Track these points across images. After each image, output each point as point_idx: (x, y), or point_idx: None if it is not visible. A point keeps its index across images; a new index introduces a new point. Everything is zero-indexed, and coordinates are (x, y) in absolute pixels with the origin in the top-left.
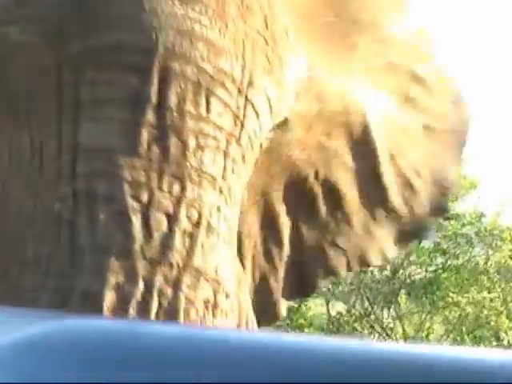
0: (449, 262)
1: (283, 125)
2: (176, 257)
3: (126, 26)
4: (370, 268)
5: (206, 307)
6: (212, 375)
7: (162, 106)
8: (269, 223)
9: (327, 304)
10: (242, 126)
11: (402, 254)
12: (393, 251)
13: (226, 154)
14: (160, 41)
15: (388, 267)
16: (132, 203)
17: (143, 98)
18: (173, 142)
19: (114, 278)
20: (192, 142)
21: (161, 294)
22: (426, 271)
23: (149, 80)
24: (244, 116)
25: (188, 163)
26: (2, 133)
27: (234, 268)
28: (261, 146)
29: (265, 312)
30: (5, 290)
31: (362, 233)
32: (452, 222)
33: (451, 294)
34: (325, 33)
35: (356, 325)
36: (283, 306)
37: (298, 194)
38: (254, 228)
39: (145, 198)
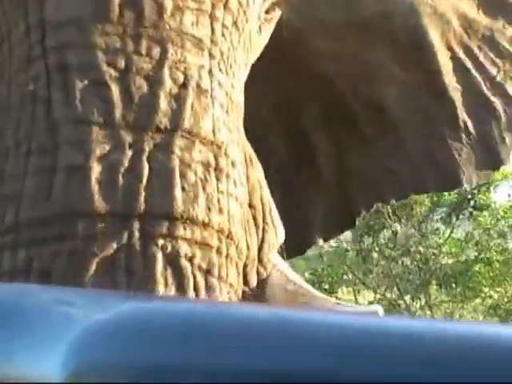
0: (481, 255)
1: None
2: (163, 119)
3: None
4: (402, 258)
5: (207, 170)
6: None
7: None
8: (301, 145)
9: (356, 293)
10: None
11: (433, 244)
12: (471, 176)
13: (212, 17)
14: None
15: (419, 257)
16: (108, 70)
17: None
18: (147, 5)
19: (98, 148)
20: (169, 3)
21: (151, 158)
22: (458, 262)
23: None
24: None
25: (166, 25)
26: None
27: (241, 142)
28: (259, 28)
29: (298, 245)
30: None
31: (419, 155)
32: (485, 213)
33: (483, 287)
34: None
35: (386, 314)
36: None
37: (336, 112)
38: (283, 150)
39: (122, 63)
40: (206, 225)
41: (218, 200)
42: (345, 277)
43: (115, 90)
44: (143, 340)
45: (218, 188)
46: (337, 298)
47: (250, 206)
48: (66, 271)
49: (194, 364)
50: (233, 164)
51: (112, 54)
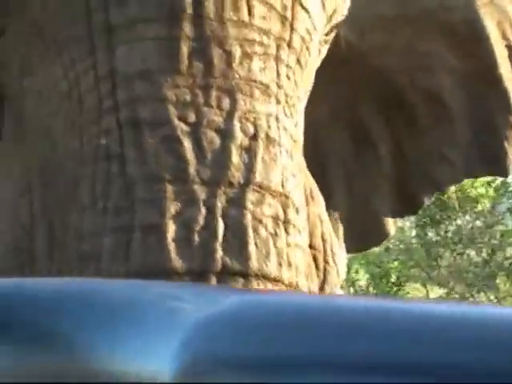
0: None
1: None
2: (236, 174)
3: None
4: (467, 251)
5: (276, 224)
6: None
7: (199, 16)
8: (361, 138)
9: (425, 287)
10: (292, 27)
11: (499, 235)
12: None
13: (277, 59)
14: None
15: (484, 250)
16: (180, 125)
17: (177, 10)
18: (216, 54)
19: (172, 205)
20: (237, 51)
21: (225, 215)
22: None
23: None
24: (293, 17)
25: (235, 74)
26: (36, 75)
27: (302, 182)
28: (319, 51)
29: (368, 232)
30: (67, 239)
31: (471, 143)
32: None
33: None
34: None
35: None
36: (391, 224)
37: (394, 103)
38: (344, 144)
39: (192, 117)
40: (277, 280)
41: (287, 254)
42: (412, 271)
43: (187, 146)
44: (264, 332)
45: (286, 241)
46: (407, 293)
47: (311, 246)
48: None
49: (325, 354)
50: (297, 211)
51: (183, 107)
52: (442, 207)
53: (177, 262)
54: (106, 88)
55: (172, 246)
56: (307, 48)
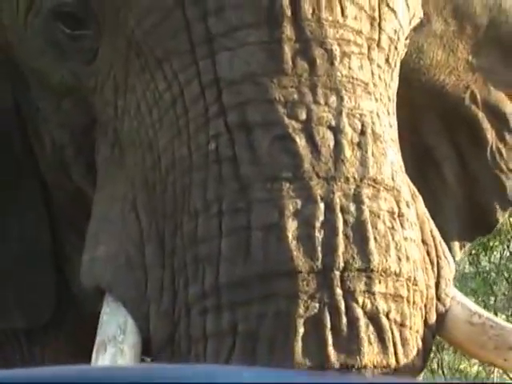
0: None
1: (420, 26)
2: (350, 169)
3: None
4: None
5: (393, 218)
6: None
7: (297, 18)
8: (425, 158)
9: None
10: (380, 28)
11: None
12: None
13: (370, 59)
14: None
15: None
16: (291, 123)
17: (276, 13)
18: (318, 53)
19: (291, 203)
20: (337, 50)
21: (343, 210)
22: None
23: None
24: (380, 17)
25: (338, 72)
26: (132, 92)
27: (406, 178)
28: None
29: None
30: (178, 245)
31: None
32: None
33: None
34: None
35: None
36: (457, 249)
37: (455, 120)
38: (407, 165)
39: (303, 115)
40: (397, 275)
41: (405, 248)
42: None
43: (300, 143)
44: None
45: (403, 235)
46: None
47: (423, 242)
48: (274, 333)
49: None
50: (408, 205)
51: (292, 106)
52: (494, 233)
53: (299, 261)
54: (211, 95)
55: (293, 244)
56: (395, 48)
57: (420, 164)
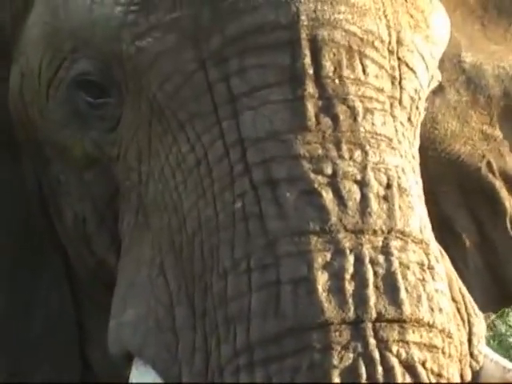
0: None
1: (437, 91)
2: (378, 222)
3: (260, 5)
4: None
5: (423, 269)
6: None
7: (319, 76)
8: (442, 226)
9: None
10: (401, 87)
11: None
12: None
13: (393, 116)
14: (301, 11)
15: None
16: (316, 178)
17: (299, 72)
18: (341, 109)
19: (320, 256)
20: (359, 106)
21: (373, 262)
22: None
23: (300, 53)
24: (400, 77)
25: (362, 127)
26: (156, 156)
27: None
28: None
29: None
30: (208, 306)
31: None
32: None
33: None
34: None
35: None
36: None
37: (472, 190)
38: None
39: (329, 170)
40: (430, 326)
41: (437, 300)
42: None
43: (327, 197)
44: None
45: (434, 287)
46: None
47: (452, 299)
48: None
49: None
50: (437, 260)
51: (317, 161)
52: None
53: (331, 313)
54: (236, 154)
55: (324, 297)
56: (417, 107)
57: (438, 233)
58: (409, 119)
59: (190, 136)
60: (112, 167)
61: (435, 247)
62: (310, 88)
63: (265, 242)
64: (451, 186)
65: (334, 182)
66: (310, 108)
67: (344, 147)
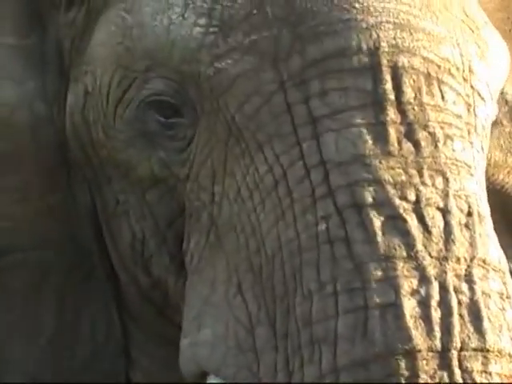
0: None
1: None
2: (461, 250)
3: (342, 30)
4: None
5: (502, 298)
6: None
7: (401, 102)
8: None
9: None
10: (475, 114)
11: None
12: None
13: (470, 143)
14: (382, 37)
15: None
16: (402, 204)
17: (381, 97)
18: (422, 136)
19: (406, 282)
20: (440, 133)
21: (456, 290)
22: None
23: (381, 78)
24: (474, 104)
25: (442, 154)
26: (231, 177)
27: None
28: None
29: None
30: (291, 327)
31: None
32: None
33: None
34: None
35: None
36: None
37: None
38: None
39: (412, 196)
40: (510, 356)
41: None
42: None
43: (412, 223)
44: None
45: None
46: None
47: None
48: None
49: None
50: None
51: (401, 187)
52: None
53: (418, 340)
54: (318, 176)
55: (412, 323)
56: (486, 136)
57: None
58: (482, 147)
59: (269, 157)
60: (178, 187)
61: (509, 274)
62: (392, 114)
63: (352, 265)
64: (495, 215)
65: (417, 209)
66: (393, 133)
67: (426, 174)
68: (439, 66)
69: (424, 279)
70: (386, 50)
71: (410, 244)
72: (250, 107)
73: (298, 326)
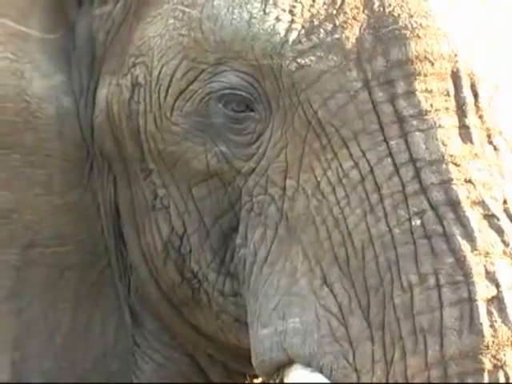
0: None
1: None
2: None
3: (424, 35)
4: None
5: None
6: None
7: (478, 108)
8: None
9: None
10: None
11: None
12: None
13: None
14: (461, 46)
15: None
16: (492, 203)
17: (463, 102)
18: (499, 141)
19: (508, 277)
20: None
21: None
22: None
23: (462, 84)
24: None
25: None
26: (309, 172)
27: None
28: None
29: None
30: (388, 318)
31: None
32: None
33: None
34: None
35: None
36: None
37: None
38: None
39: (500, 196)
40: None
41: None
42: None
43: (503, 222)
44: None
45: None
46: None
47: None
48: None
49: None
50: None
51: (489, 187)
52: None
53: None
54: (407, 173)
55: None
56: None
57: None
58: None
59: (354, 152)
60: (236, 181)
61: None
62: (473, 118)
63: (453, 259)
64: None
65: (505, 208)
66: (476, 137)
67: (506, 176)
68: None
69: None
70: (465, 57)
71: (505, 241)
72: (335, 103)
73: (397, 317)
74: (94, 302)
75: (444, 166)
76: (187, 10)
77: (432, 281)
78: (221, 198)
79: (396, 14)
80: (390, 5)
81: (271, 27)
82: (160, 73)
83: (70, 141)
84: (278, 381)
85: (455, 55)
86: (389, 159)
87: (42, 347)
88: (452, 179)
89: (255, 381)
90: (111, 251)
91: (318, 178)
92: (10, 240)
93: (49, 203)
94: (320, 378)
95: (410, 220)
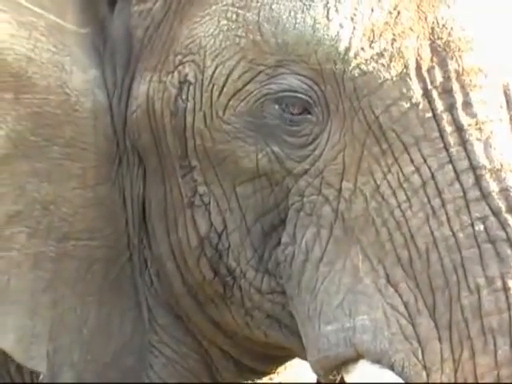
0: None
1: None
2: None
3: (476, 48)
4: None
5: None
6: None
7: None
8: None
9: None
10: None
11: None
12: None
13: None
14: (506, 59)
15: None
16: None
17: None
18: None
19: None
20: None
21: None
22: None
23: (506, 97)
24: None
25: None
26: (368, 175)
27: None
28: None
29: None
30: (460, 317)
31: None
32: None
33: None
34: None
35: None
36: None
37: None
38: None
39: None
40: None
41: None
42: None
43: None
44: None
45: None
46: None
47: None
48: None
49: None
50: None
51: None
52: None
53: None
54: (468, 180)
55: None
56: None
57: None
58: None
59: (415, 158)
60: (286, 182)
61: None
62: None
63: None
64: None
65: None
66: None
67: None
68: None
69: None
70: (503, 70)
71: None
72: (397, 110)
73: (465, 317)
74: (115, 297)
75: (503, 174)
76: (241, 11)
77: (499, 283)
78: (266, 198)
79: (449, 27)
80: (442, 18)
81: (336, 33)
82: (214, 72)
83: (103, 135)
84: (336, 378)
85: (503, 68)
86: (450, 166)
87: (72, 340)
88: (510, 187)
89: (264, 378)
90: (134, 246)
91: (378, 182)
92: (48, 231)
93: (82, 197)
94: (386, 375)
95: (472, 225)
